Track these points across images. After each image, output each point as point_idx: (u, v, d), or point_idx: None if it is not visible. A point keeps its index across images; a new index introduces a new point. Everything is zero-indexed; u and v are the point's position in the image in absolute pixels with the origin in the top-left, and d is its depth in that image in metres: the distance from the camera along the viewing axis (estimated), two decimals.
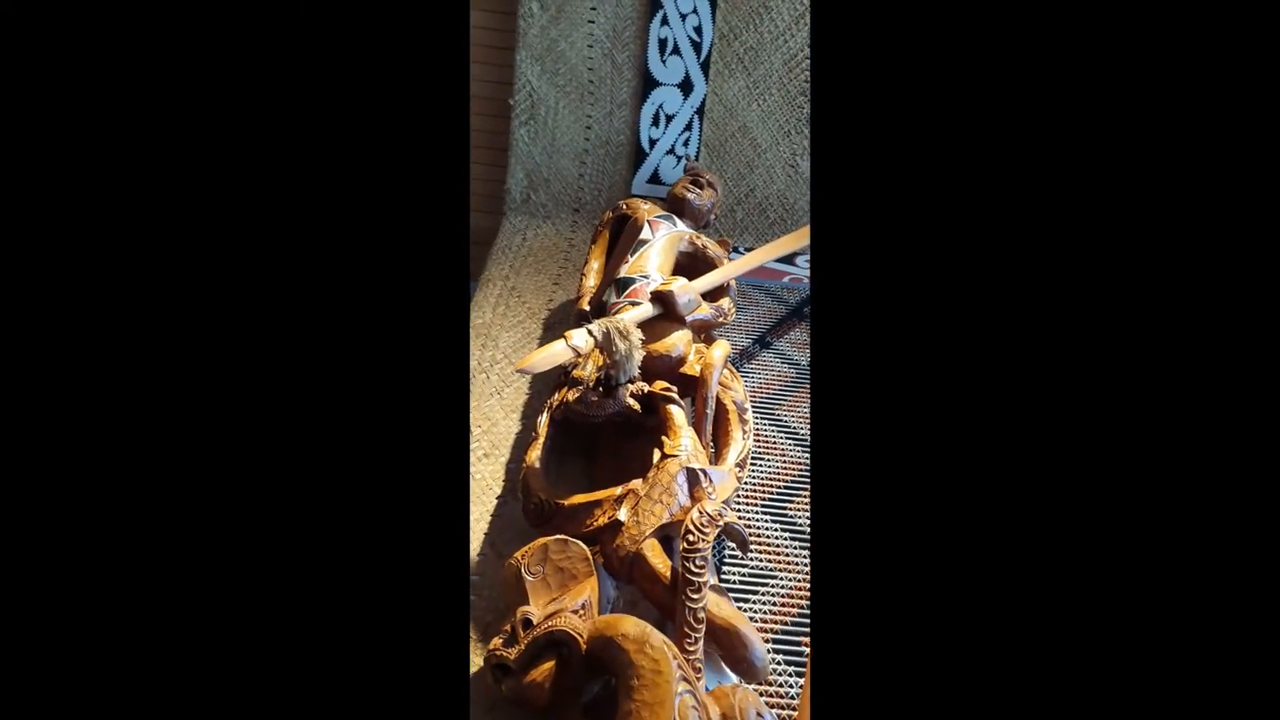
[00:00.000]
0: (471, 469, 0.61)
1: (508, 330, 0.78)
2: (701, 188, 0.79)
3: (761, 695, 0.46)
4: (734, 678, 0.42)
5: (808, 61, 0.96)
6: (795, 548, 0.57)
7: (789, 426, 0.69)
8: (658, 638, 0.36)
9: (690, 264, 0.70)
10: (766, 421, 0.69)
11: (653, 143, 0.98)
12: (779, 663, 0.49)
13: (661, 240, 0.69)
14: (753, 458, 0.62)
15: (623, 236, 0.72)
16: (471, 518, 0.56)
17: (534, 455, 0.52)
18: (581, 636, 0.38)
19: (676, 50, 0.96)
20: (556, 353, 0.50)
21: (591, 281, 0.71)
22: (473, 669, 0.45)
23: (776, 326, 0.83)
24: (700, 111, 0.98)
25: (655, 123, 0.98)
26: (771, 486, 0.62)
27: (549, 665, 0.39)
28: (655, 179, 0.99)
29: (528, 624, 0.40)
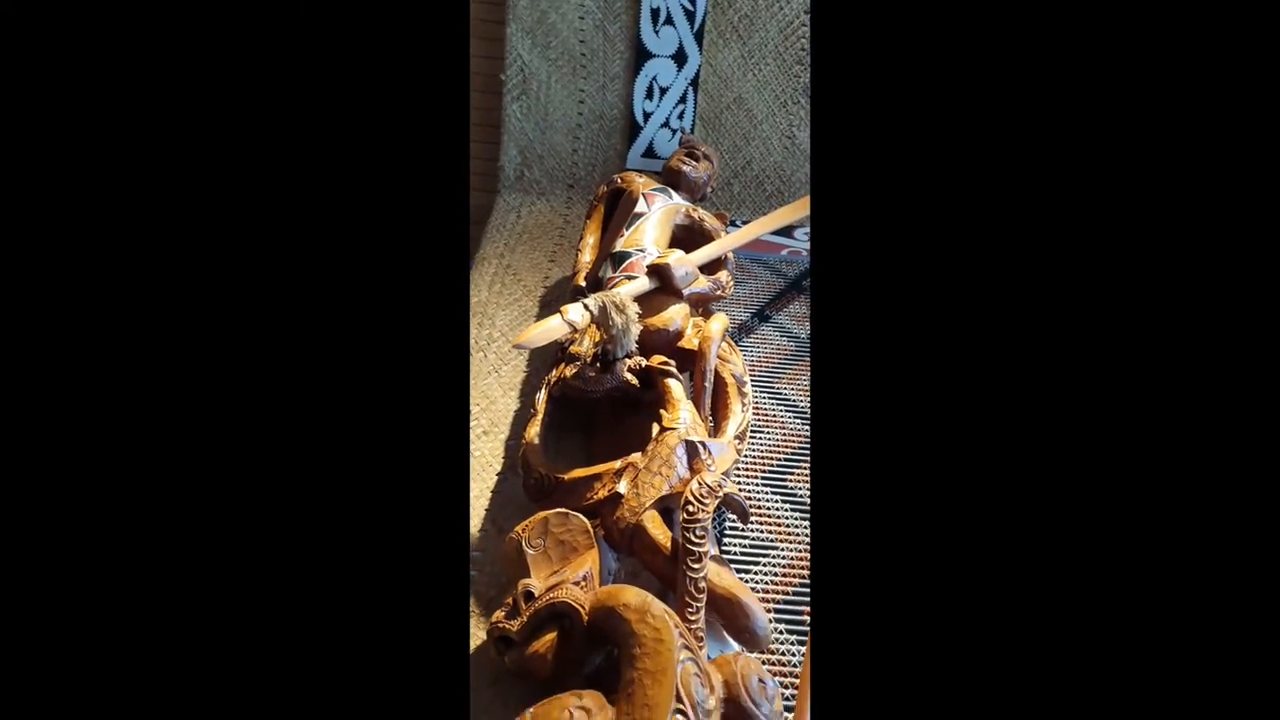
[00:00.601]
0: (471, 446, 0.61)
1: (504, 308, 0.78)
2: (697, 160, 0.78)
3: (764, 663, 0.46)
4: (736, 647, 0.42)
5: (804, 29, 0.95)
6: (796, 519, 0.57)
7: (789, 399, 0.69)
8: (659, 607, 0.36)
9: (687, 237, 0.69)
10: (767, 395, 0.69)
11: (647, 116, 0.97)
12: (781, 631, 0.49)
13: (657, 213, 0.68)
14: (753, 431, 0.62)
15: (618, 210, 0.71)
16: (472, 495, 0.56)
17: (533, 431, 0.52)
18: (583, 608, 0.38)
19: (669, 20, 0.94)
20: (553, 328, 0.49)
21: (587, 257, 0.71)
22: (476, 643, 0.45)
23: (775, 300, 0.82)
24: (694, 83, 0.96)
25: (649, 95, 0.96)
26: (772, 459, 0.62)
27: (551, 637, 0.39)
28: (650, 153, 0.98)
29: (529, 596, 0.40)
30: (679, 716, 0.32)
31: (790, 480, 0.60)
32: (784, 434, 0.65)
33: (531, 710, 0.33)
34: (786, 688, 0.45)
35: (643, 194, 0.70)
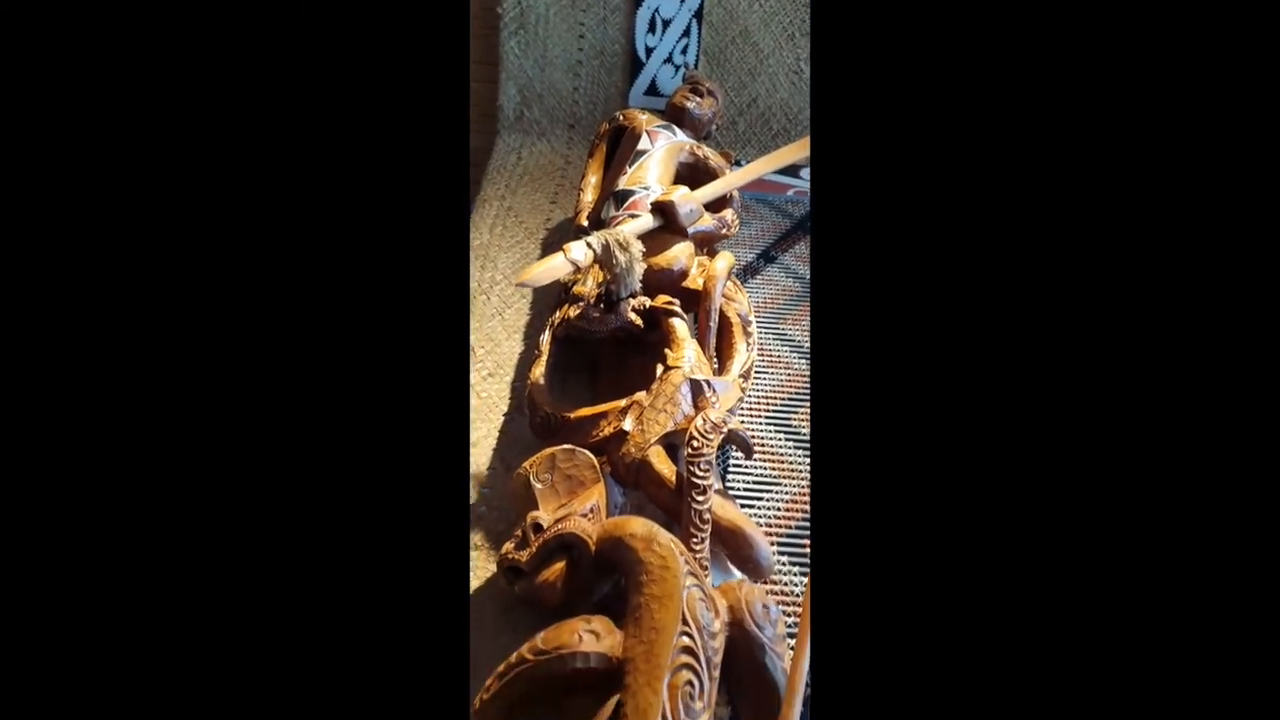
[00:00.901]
0: (478, 388, 0.61)
1: (506, 251, 0.77)
2: (702, 96, 0.76)
3: (768, 593, 0.47)
4: (740, 577, 0.43)
5: None
6: (799, 456, 0.58)
7: (793, 340, 0.69)
8: (665, 535, 0.36)
9: (691, 175, 0.68)
10: (772, 335, 0.68)
11: (649, 51, 0.94)
12: (784, 563, 0.50)
13: (661, 150, 0.66)
14: (758, 371, 0.62)
15: (620, 147, 0.69)
16: (479, 435, 0.57)
17: (538, 372, 0.52)
18: (590, 538, 0.39)
19: None
20: (555, 266, 0.49)
21: (589, 196, 0.69)
22: (486, 575, 0.46)
23: (781, 240, 0.81)
24: (699, 15, 0.93)
25: (651, 29, 0.93)
26: (776, 398, 0.63)
27: (560, 566, 0.40)
28: (653, 90, 0.95)
29: (538, 528, 0.40)
30: (685, 638, 0.33)
31: (794, 419, 0.61)
32: (789, 374, 0.65)
33: (542, 635, 0.35)
34: (790, 616, 0.47)
35: (646, 130, 0.68)
